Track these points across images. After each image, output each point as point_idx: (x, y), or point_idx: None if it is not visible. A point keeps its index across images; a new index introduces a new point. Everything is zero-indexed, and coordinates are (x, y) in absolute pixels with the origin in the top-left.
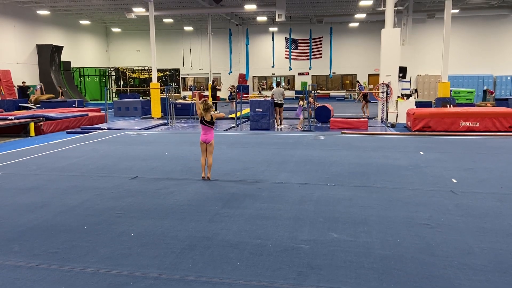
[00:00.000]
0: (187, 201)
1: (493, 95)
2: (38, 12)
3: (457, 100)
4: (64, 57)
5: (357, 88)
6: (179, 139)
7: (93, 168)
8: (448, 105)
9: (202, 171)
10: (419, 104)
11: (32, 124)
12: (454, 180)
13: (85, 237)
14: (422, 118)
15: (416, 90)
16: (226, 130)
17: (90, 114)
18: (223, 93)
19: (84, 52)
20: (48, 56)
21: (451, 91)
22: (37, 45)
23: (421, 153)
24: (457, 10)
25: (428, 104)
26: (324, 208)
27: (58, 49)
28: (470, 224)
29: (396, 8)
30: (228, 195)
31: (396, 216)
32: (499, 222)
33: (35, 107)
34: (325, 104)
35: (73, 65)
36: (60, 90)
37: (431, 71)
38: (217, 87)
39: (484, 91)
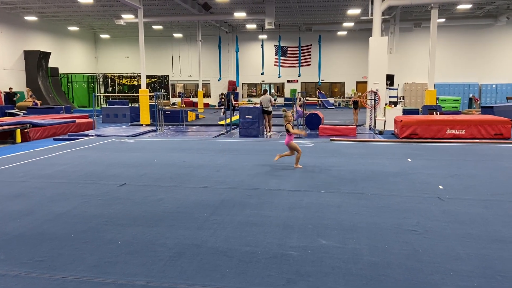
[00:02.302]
0: (176, 208)
1: (478, 102)
2: (25, 18)
3: (444, 107)
4: (51, 63)
5: (316, 95)
6: (168, 146)
7: (80, 175)
8: (434, 113)
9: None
10: (406, 112)
11: (18, 131)
12: (440, 187)
13: (72, 245)
14: (409, 125)
15: (403, 98)
16: (215, 137)
17: (77, 120)
18: (213, 100)
19: (72, 58)
20: (36, 62)
21: (437, 98)
22: (24, 51)
23: (409, 160)
24: (443, 20)
25: (415, 112)
26: (313, 215)
27: (46, 55)
28: (457, 230)
29: (383, 17)
30: (217, 202)
31: (384, 223)
32: (485, 228)
33: (22, 114)
34: (316, 111)
35: (61, 71)
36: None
37: (418, 79)
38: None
39: (470, 99)
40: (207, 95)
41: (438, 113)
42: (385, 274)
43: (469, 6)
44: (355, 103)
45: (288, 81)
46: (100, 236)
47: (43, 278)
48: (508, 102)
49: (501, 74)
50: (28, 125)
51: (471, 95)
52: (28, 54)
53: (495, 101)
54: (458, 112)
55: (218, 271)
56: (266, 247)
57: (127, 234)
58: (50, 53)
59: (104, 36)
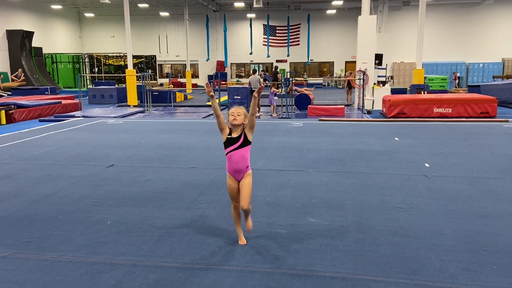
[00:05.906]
0: (165, 188)
1: (457, 81)
2: None
3: (431, 86)
4: (35, 43)
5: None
6: (156, 127)
7: (67, 156)
8: (422, 92)
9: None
10: (394, 91)
11: (3, 112)
12: (427, 165)
13: (60, 226)
14: (397, 104)
15: (391, 77)
16: (204, 117)
17: (63, 101)
18: (201, 80)
19: (56, 38)
20: (19, 42)
21: (425, 78)
22: (6, 30)
23: (396, 138)
24: None
25: (403, 91)
26: (301, 194)
27: (29, 35)
28: (442, 207)
29: None
30: (206, 182)
31: (371, 200)
32: (469, 205)
33: (6, 95)
34: (305, 91)
35: (45, 51)
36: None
37: (406, 58)
38: (278, 74)
39: (458, 78)
40: (195, 75)
41: (425, 92)
42: (372, 249)
43: None
44: (349, 82)
45: (277, 61)
46: (88, 217)
47: (31, 258)
48: (494, 81)
49: (488, 53)
50: (13, 106)
51: (458, 74)
52: (11, 34)
53: (482, 80)
54: (445, 91)
55: (207, 250)
56: (255, 226)
57: (116, 214)
58: (33, 32)
59: (88, 14)
